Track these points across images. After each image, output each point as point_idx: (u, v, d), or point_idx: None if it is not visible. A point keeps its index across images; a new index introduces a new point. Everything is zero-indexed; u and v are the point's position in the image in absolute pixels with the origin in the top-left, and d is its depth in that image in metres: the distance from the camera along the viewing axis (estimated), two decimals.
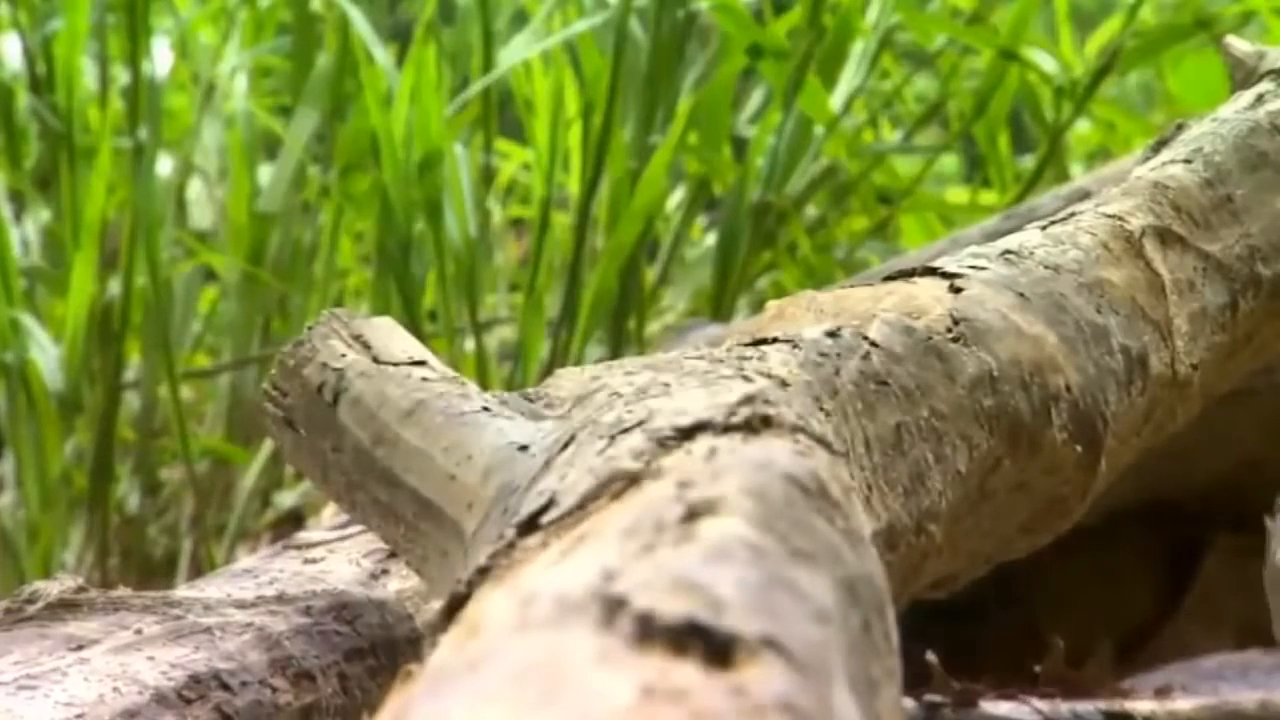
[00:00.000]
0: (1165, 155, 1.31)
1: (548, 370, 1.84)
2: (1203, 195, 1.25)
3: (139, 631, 1.15)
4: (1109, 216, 1.15)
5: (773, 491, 0.64)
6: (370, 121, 2.24)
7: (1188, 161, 1.27)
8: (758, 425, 0.72)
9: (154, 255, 2.25)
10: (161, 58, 2.43)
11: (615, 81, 2.23)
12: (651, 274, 2.38)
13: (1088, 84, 2.37)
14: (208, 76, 2.49)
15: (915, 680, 1.47)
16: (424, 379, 0.98)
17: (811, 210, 2.46)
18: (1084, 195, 1.56)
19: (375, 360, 1.00)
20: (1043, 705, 1.52)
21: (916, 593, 1.09)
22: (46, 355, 2.19)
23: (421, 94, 2.20)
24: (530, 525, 0.69)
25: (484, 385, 1.03)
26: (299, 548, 1.34)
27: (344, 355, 1.01)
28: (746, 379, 0.86)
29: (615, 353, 2.20)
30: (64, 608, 1.17)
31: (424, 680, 0.53)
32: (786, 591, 0.57)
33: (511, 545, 0.67)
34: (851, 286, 1.14)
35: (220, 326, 2.46)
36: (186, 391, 2.44)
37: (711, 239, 2.43)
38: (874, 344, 1.00)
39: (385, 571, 1.29)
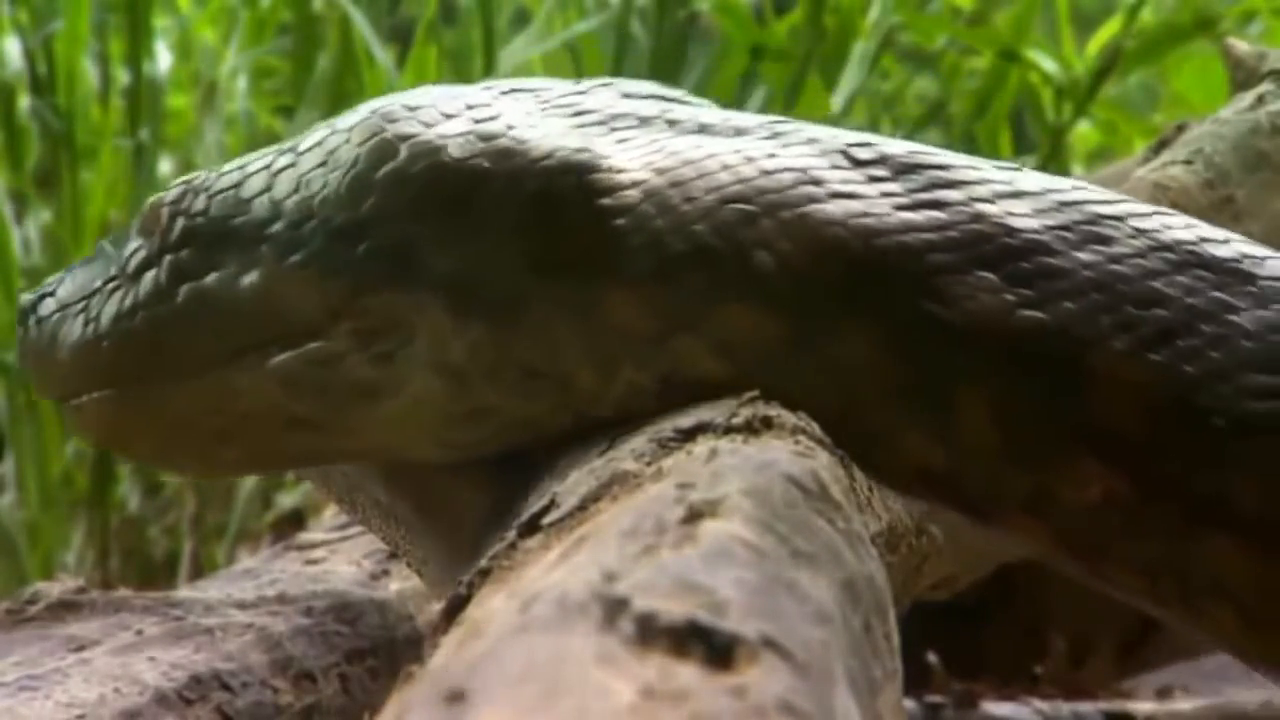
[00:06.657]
0: (1166, 156, 1.31)
1: None
2: (1203, 196, 1.25)
3: (140, 632, 1.15)
4: None
5: (773, 492, 0.64)
6: None
7: (1188, 162, 1.28)
8: (759, 426, 0.72)
9: None
10: (162, 58, 2.43)
11: None
12: None
13: (1088, 84, 2.37)
14: (208, 76, 2.49)
15: (915, 680, 1.47)
16: None
17: None
18: None
19: None
20: (1043, 705, 1.52)
21: (918, 593, 1.09)
22: None
23: None
24: (531, 526, 0.68)
25: None
26: (300, 548, 1.34)
27: None
28: None
29: None
30: (65, 609, 1.17)
31: (425, 681, 0.53)
32: (787, 592, 0.57)
33: (513, 546, 0.67)
34: None
35: None
36: None
37: None
38: None
39: (386, 572, 1.29)
